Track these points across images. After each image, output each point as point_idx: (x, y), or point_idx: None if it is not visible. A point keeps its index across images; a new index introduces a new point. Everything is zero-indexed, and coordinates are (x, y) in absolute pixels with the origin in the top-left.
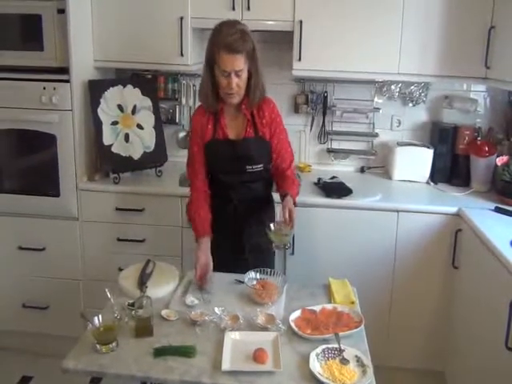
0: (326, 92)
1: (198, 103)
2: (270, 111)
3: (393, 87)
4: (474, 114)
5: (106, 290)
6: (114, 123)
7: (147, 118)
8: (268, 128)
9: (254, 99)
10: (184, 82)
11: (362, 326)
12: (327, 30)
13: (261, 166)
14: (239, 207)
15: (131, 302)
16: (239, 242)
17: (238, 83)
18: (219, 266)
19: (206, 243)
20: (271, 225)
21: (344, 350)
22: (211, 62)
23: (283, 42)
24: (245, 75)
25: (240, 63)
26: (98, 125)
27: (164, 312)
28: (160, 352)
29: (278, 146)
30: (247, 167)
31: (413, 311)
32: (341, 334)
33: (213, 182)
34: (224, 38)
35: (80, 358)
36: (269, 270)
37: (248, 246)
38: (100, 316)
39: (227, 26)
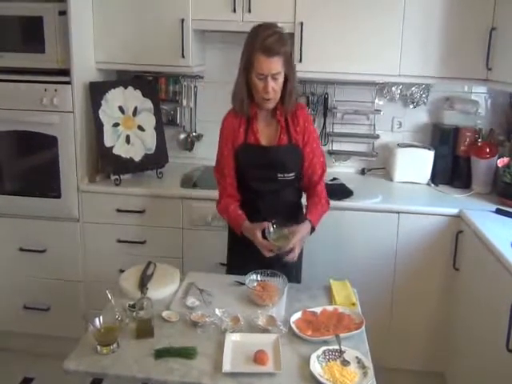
0: (326, 94)
1: (198, 105)
2: (305, 119)
3: (394, 89)
4: (474, 115)
5: (107, 291)
6: (115, 125)
7: (148, 120)
8: (301, 135)
9: (288, 105)
10: (185, 83)
11: (363, 328)
12: (328, 31)
13: (293, 174)
14: (267, 217)
15: (132, 303)
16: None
17: (274, 87)
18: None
19: (247, 226)
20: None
21: (345, 352)
22: (247, 66)
23: None
24: (281, 79)
25: (277, 66)
26: (99, 126)
27: (165, 313)
28: (161, 353)
29: (309, 155)
30: (279, 175)
31: (414, 313)
32: (341, 335)
33: (243, 189)
34: (261, 40)
35: (81, 359)
36: (269, 271)
37: (276, 259)
38: (101, 317)
39: (264, 28)
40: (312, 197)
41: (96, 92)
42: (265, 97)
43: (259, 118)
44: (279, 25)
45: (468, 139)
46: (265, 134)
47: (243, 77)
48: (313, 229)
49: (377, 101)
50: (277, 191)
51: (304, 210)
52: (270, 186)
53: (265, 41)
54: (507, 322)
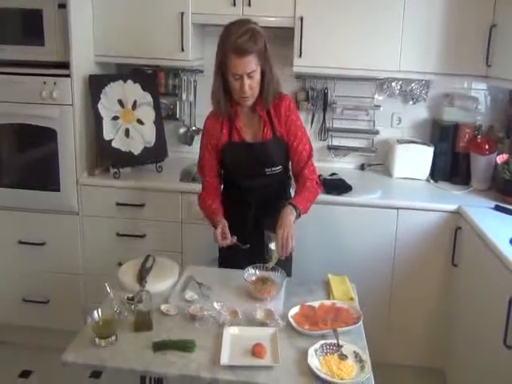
0: (326, 89)
1: (198, 99)
2: (286, 108)
3: (393, 84)
4: (474, 112)
5: (106, 284)
6: (115, 118)
7: (147, 114)
8: (284, 126)
9: (267, 98)
10: (185, 77)
11: (361, 322)
12: (328, 26)
13: (280, 167)
14: (258, 211)
15: (131, 296)
16: (258, 246)
17: (250, 85)
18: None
19: (217, 221)
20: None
21: (342, 346)
22: (222, 66)
23: (284, 38)
24: (258, 76)
25: (251, 65)
26: (98, 120)
27: (163, 307)
28: (159, 346)
29: (294, 144)
30: (266, 170)
31: (412, 309)
32: (339, 329)
33: (230, 187)
34: (233, 40)
35: (79, 352)
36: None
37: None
38: (99, 310)
39: (236, 27)
40: (299, 182)
41: (95, 85)
42: (242, 95)
43: (241, 115)
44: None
45: (467, 136)
46: (248, 130)
47: (219, 77)
48: (299, 212)
49: (376, 96)
50: (265, 185)
51: None
52: (258, 182)
53: (237, 41)
54: (505, 318)
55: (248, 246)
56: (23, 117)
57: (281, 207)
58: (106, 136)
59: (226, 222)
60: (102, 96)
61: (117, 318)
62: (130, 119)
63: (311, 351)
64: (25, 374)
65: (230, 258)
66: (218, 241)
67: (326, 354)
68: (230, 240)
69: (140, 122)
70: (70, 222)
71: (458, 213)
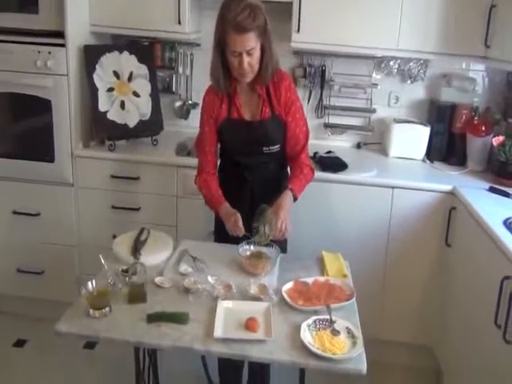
0: (324, 66)
1: (195, 72)
2: (287, 89)
3: (391, 63)
4: (472, 93)
5: (100, 256)
6: (110, 90)
7: (143, 86)
8: (284, 106)
9: (266, 75)
10: (181, 50)
11: (354, 299)
12: (327, 2)
13: (278, 146)
14: (256, 188)
15: (125, 268)
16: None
17: (249, 62)
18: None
19: (226, 208)
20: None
21: (335, 322)
22: (221, 43)
23: (282, 12)
24: (257, 53)
25: (251, 42)
26: (93, 91)
27: (157, 279)
28: (153, 318)
29: (292, 125)
30: (264, 148)
31: (405, 287)
32: (332, 305)
33: (228, 163)
34: (232, 17)
35: (73, 322)
36: None
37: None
38: (94, 281)
39: (235, 2)
40: (295, 166)
41: (91, 56)
42: (241, 72)
43: (240, 92)
44: None
45: (464, 116)
46: (247, 107)
47: (217, 54)
48: (295, 198)
49: (374, 75)
50: (263, 163)
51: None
52: (256, 159)
53: (236, 18)
54: (496, 299)
55: (254, 238)
56: (17, 86)
57: (280, 189)
58: (102, 108)
59: (237, 212)
60: (97, 67)
61: (111, 290)
62: (125, 91)
63: (304, 326)
64: (19, 343)
65: (226, 233)
66: (231, 230)
67: (319, 329)
68: (241, 231)
69: (136, 94)
70: (64, 194)
71: (452, 193)
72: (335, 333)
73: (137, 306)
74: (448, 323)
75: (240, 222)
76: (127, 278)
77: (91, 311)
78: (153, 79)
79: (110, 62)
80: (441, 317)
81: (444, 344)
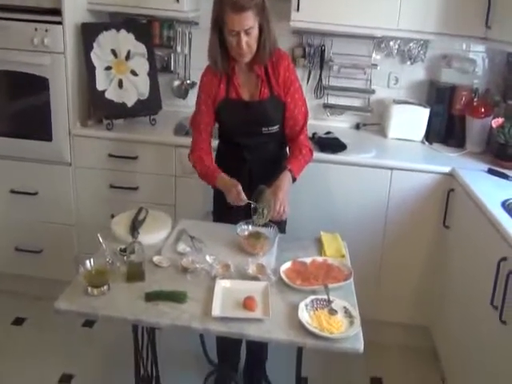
0: (323, 46)
1: (193, 51)
2: (286, 68)
3: (391, 43)
4: (471, 74)
5: (98, 235)
6: (108, 68)
7: (141, 65)
8: (283, 86)
9: (264, 55)
10: (179, 29)
11: (351, 279)
12: None
13: (277, 127)
14: (254, 168)
15: (123, 247)
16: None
17: (248, 42)
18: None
19: (223, 179)
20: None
21: (333, 301)
22: (218, 22)
23: None
24: (255, 32)
25: (249, 21)
26: (91, 69)
27: (156, 258)
28: (151, 297)
29: (291, 106)
30: (263, 129)
31: (402, 268)
32: (330, 285)
33: (227, 143)
34: None
35: (72, 300)
36: None
37: None
38: (92, 260)
39: None
40: (294, 147)
41: (88, 34)
42: (239, 52)
43: (238, 71)
44: None
45: (464, 98)
46: (246, 87)
47: (215, 33)
48: (294, 179)
49: (374, 55)
50: (262, 144)
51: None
52: (254, 140)
53: None
54: (493, 280)
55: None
56: (14, 64)
57: (279, 170)
58: (99, 86)
59: (238, 183)
60: (94, 45)
61: (109, 269)
62: (123, 70)
63: (302, 306)
64: (18, 321)
65: (224, 212)
66: (233, 201)
67: (317, 308)
68: (244, 201)
69: (134, 73)
70: (62, 173)
71: (451, 175)
72: (333, 312)
73: (135, 285)
74: (445, 304)
75: (242, 193)
76: (125, 257)
77: (90, 289)
78: (151, 58)
79: (107, 40)
80: (438, 297)
81: (441, 324)
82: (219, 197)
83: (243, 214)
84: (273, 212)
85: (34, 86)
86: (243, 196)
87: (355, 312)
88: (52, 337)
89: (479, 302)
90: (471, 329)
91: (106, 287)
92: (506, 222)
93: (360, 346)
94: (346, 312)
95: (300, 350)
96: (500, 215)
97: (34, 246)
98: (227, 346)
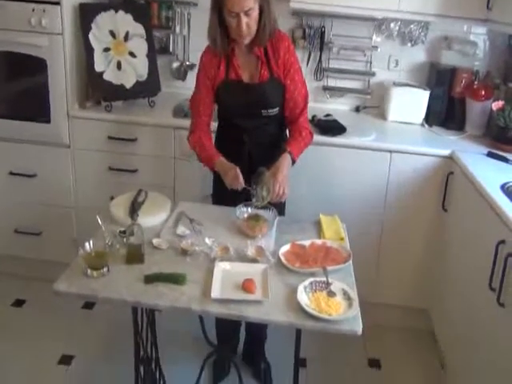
0: (323, 27)
1: (192, 33)
2: (285, 50)
3: (392, 25)
4: (472, 56)
5: (97, 217)
6: (106, 50)
7: (140, 46)
8: (282, 68)
9: (264, 36)
10: (178, 9)
11: (350, 262)
12: None
13: (276, 109)
14: (253, 150)
15: (122, 229)
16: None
17: (247, 23)
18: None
19: (222, 162)
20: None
21: (331, 284)
22: (218, 2)
23: None
24: (255, 13)
25: (249, 2)
26: (89, 50)
27: (155, 241)
28: (151, 279)
29: (291, 88)
30: (262, 111)
31: (401, 251)
32: (329, 268)
33: (226, 125)
34: None
35: (71, 282)
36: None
37: None
38: (91, 241)
39: None
40: (294, 130)
41: (86, 14)
42: (239, 33)
43: (238, 53)
44: None
45: (464, 81)
46: (246, 69)
47: (215, 14)
48: (293, 161)
49: (374, 37)
50: (261, 126)
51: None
52: (254, 122)
53: None
54: (491, 262)
55: (252, 201)
56: (11, 44)
57: (279, 152)
58: (98, 68)
59: (235, 166)
60: (92, 26)
61: (108, 251)
62: (121, 51)
63: (301, 288)
64: (18, 303)
65: (224, 195)
66: (230, 184)
67: (315, 290)
68: (241, 184)
69: (132, 54)
70: (61, 155)
71: (450, 158)
72: (331, 294)
73: (134, 267)
74: (443, 286)
75: (240, 176)
76: (125, 239)
77: (89, 271)
78: (149, 39)
79: (105, 21)
80: (436, 280)
81: (439, 306)
82: (219, 179)
83: (243, 197)
84: (272, 194)
85: (31, 68)
86: (241, 179)
87: (354, 294)
88: (52, 318)
89: (477, 284)
90: (469, 311)
91: (105, 269)
92: (505, 206)
93: (358, 327)
94: (345, 294)
95: (299, 332)
96: (499, 198)
97: (33, 228)
98: (226, 327)
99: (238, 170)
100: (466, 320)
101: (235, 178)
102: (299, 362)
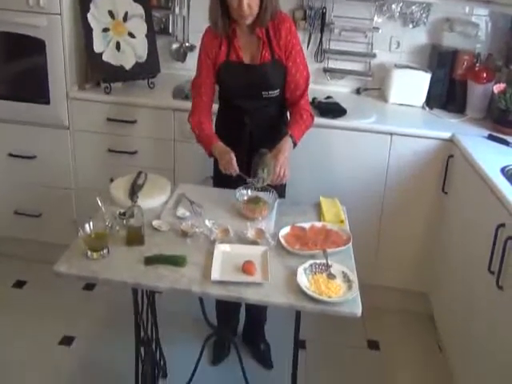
0: (324, 8)
1: (192, 13)
2: (287, 32)
3: (393, 6)
4: (474, 38)
5: (97, 198)
6: (105, 30)
7: (139, 27)
8: (284, 50)
9: (265, 17)
10: None
11: (350, 244)
12: None
13: (277, 91)
14: (254, 132)
15: (122, 211)
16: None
17: (249, 4)
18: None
19: (220, 146)
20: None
21: (331, 266)
22: None
23: None
24: None
25: None
26: (88, 31)
27: (155, 223)
28: (151, 260)
29: (292, 70)
30: (263, 93)
31: (401, 233)
32: (329, 250)
33: (227, 107)
34: None
35: (72, 263)
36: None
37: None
38: (91, 223)
39: None
40: (295, 112)
41: None
42: (241, 14)
43: (239, 34)
44: None
45: (466, 63)
46: (247, 50)
47: None
48: (294, 144)
49: (375, 18)
50: (262, 107)
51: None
52: (254, 104)
53: None
54: (491, 246)
55: (251, 179)
56: (9, 25)
57: (279, 134)
58: (97, 49)
59: (231, 151)
60: (91, 6)
61: (108, 232)
62: (120, 31)
63: (300, 270)
64: (19, 284)
65: (224, 177)
66: (224, 168)
67: (315, 273)
68: (235, 170)
69: (131, 35)
70: (60, 137)
71: (451, 141)
72: (331, 277)
73: (134, 249)
74: (443, 269)
75: (234, 161)
76: (125, 221)
77: (89, 253)
78: (149, 19)
79: (104, 1)
80: (436, 263)
81: (438, 290)
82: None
83: (243, 180)
84: (273, 175)
85: (30, 48)
86: (235, 165)
87: (353, 276)
88: (52, 300)
89: (477, 267)
90: (468, 294)
91: (105, 251)
92: (505, 189)
93: (358, 309)
94: (345, 276)
95: (298, 314)
96: (499, 181)
97: (33, 209)
98: (226, 309)
99: (233, 155)
100: (465, 303)
101: (229, 163)
102: (299, 344)
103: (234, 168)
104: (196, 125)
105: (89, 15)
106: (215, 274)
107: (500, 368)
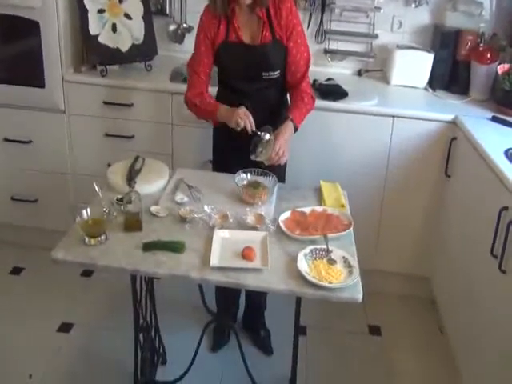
0: None
1: None
2: (288, 12)
3: None
4: (478, 17)
5: (94, 184)
6: (101, 11)
7: (136, 7)
8: (285, 30)
9: (263, 0)
10: None
11: (351, 229)
12: None
13: (277, 72)
14: (254, 115)
15: (120, 197)
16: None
17: None
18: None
19: (225, 108)
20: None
21: (332, 251)
22: None
23: None
24: None
25: None
26: (83, 12)
27: (153, 208)
28: (149, 246)
29: (293, 51)
30: (263, 74)
31: (403, 217)
32: (329, 235)
33: (227, 89)
34: None
35: (69, 249)
36: (259, 170)
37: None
38: (88, 209)
39: None
40: (296, 95)
41: None
42: None
43: (239, 13)
44: None
45: (469, 43)
46: (247, 30)
47: None
48: (296, 128)
49: None
50: (262, 89)
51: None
52: (254, 85)
53: None
54: (494, 229)
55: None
56: (2, 6)
57: (279, 116)
58: (92, 31)
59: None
60: None
61: (106, 218)
62: (117, 12)
63: (301, 255)
64: (16, 271)
65: (224, 161)
66: (239, 122)
67: (316, 258)
68: (250, 122)
69: (128, 16)
70: (56, 121)
71: (454, 123)
72: (332, 262)
73: (132, 235)
74: (445, 253)
75: (248, 112)
76: (122, 207)
77: (87, 239)
78: (145, 0)
79: None
80: (438, 247)
81: (441, 274)
82: (219, 145)
83: (243, 163)
84: (272, 152)
85: (24, 30)
86: (251, 117)
87: (354, 262)
88: (50, 286)
89: (479, 251)
90: (471, 278)
91: (103, 237)
92: (508, 171)
93: (359, 295)
94: (346, 262)
95: (299, 300)
96: (503, 164)
97: (30, 195)
98: (226, 295)
99: (245, 108)
100: (468, 287)
101: (245, 114)
102: (299, 330)
103: (250, 120)
104: (196, 95)
105: None
106: (214, 260)
107: (502, 352)
